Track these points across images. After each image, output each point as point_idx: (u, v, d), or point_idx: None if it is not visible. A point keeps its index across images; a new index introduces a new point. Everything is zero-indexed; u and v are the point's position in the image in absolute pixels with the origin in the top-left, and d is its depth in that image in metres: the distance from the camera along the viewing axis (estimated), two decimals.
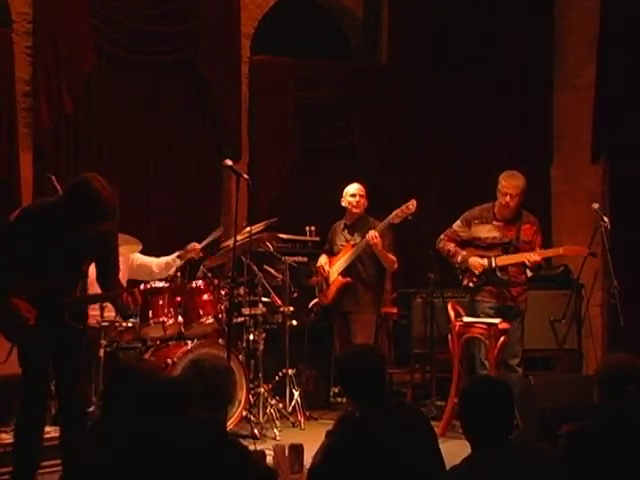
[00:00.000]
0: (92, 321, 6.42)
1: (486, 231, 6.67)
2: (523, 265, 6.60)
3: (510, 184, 6.56)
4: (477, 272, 6.59)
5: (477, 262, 6.60)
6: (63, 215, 4.76)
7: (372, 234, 6.75)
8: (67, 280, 4.94)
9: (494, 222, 6.67)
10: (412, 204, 6.75)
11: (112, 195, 4.79)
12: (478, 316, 6.57)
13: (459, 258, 6.69)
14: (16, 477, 4.90)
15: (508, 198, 6.55)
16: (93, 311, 6.40)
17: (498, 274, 6.54)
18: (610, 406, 3.69)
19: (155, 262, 6.94)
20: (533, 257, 6.48)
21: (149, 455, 3.62)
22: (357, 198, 7.03)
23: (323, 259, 7.15)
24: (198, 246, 6.86)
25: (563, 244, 7.97)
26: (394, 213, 6.80)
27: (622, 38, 8.14)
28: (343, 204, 7.09)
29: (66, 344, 5.00)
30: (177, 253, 6.87)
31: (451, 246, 6.75)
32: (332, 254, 7.15)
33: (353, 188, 7.07)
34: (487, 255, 6.60)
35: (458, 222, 6.79)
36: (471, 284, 6.66)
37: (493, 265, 6.54)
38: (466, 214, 6.78)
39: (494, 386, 3.59)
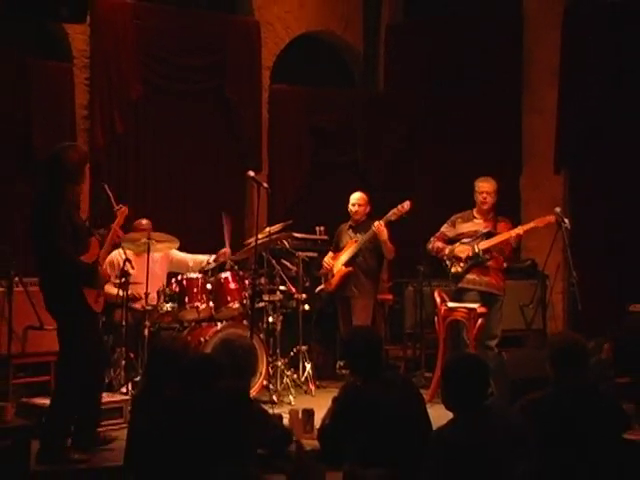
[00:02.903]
0: (137, 305, 6.46)
1: (468, 227, 6.65)
2: (503, 254, 6.59)
3: (485, 185, 6.60)
4: (462, 256, 6.54)
5: (462, 247, 6.57)
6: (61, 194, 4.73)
7: (379, 223, 6.72)
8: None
9: (474, 220, 6.68)
10: (407, 204, 6.72)
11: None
12: (464, 302, 6.54)
13: (447, 250, 6.63)
14: (79, 435, 4.90)
15: (485, 195, 6.56)
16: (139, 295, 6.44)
17: (481, 255, 6.51)
18: (561, 377, 3.71)
19: (190, 258, 6.94)
20: (515, 232, 6.46)
21: (184, 419, 3.63)
22: (356, 207, 7.00)
23: (328, 256, 7.17)
24: (228, 250, 6.85)
25: (531, 242, 7.98)
26: (391, 212, 6.76)
27: (579, 69, 8.13)
28: (349, 209, 7.09)
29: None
30: (213, 256, 6.86)
31: (439, 243, 6.69)
32: (338, 249, 7.16)
33: (353, 198, 7.04)
34: (471, 245, 6.58)
35: (444, 225, 6.77)
36: (459, 269, 6.56)
37: (476, 250, 6.51)
38: (451, 218, 6.77)
39: (471, 361, 3.59)
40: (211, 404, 3.63)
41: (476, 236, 6.56)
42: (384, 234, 6.74)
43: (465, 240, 6.60)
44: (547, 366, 3.65)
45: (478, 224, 6.62)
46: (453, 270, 6.62)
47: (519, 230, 6.52)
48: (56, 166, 4.77)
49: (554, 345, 3.95)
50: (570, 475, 2.35)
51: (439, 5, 9.07)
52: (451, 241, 6.68)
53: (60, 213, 4.69)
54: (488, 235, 6.55)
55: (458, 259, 6.57)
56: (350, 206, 7.03)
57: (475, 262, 6.51)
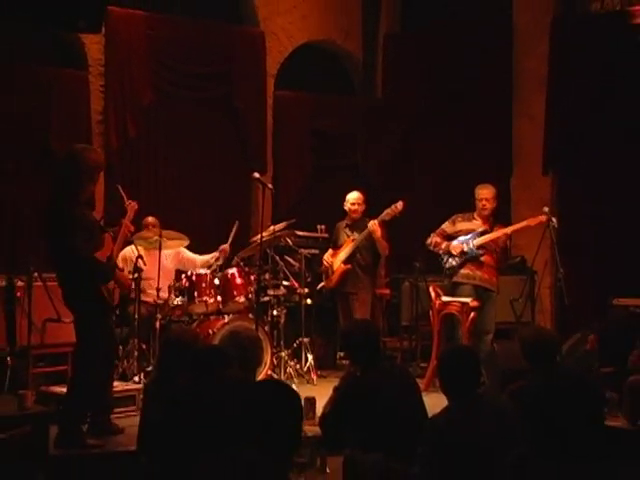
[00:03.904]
0: (149, 299, 6.47)
1: (466, 225, 6.68)
2: (495, 252, 6.61)
3: (484, 192, 6.63)
4: (457, 251, 6.55)
5: (457, 244, 6.59)
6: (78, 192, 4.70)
7: (373, 222, 6.72)
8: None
9: (474, 221, 6.70)
10: (399, 204, 6.73)
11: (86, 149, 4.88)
12: (458, 295, 6.56)
13: (443, 246, 6.66)
14: (94, 422, 4.92)
15: (484, 202, 6.60)
16: (150, 289, 6.45)
17: (475, 250, 6.53)
18: (536, 369, 3.73)
19: (198, 258, 6.95)
20: (505, 231, 6.53)
21: (194, 406, 3.64)
22: (356, 206, 7.01)
23: (327, 253, 7.18)
24: (227, 247, 6.87)
25: (521, 240, 7.98)
26: (385, 212, 6.77)
27: (565, 78, 8.15)
28: (345, 208, 7.09)
29: None
30: (215, 255, 6.87)
31: (437, 239, 6.70)
32: (336, 246, 7.16)
33: (353, 198, 7.05)
34: (466, 241, 6.59)
35: (445, 223, 6.78)
36: (453, 262, 6.59)
37: (470, 245, 6.53)
38: (452, 217, 6.79)
39: (464, 353, 3.61)
40: (219, 392, 3.64)
41: (472, 234, 6.59)
42: (378, 232, 6.74)
43: (461, 237, 6.62)
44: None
45: (476, 224, 6.66)
46: (448, 265, 6.65)
47: (510, 229, 6.59)
48: (74, 164, 4.71)
49: (524, 340, 3.97)
50: (553, 463, 2.36)
51: (434, 16, 9.08)
52: (449, 237, 6.71)
53: (75, 212, 4.66)
54: (483, 233, 6.58)
55: (452, 254, 6.59)
56: (350, 205, 7.03)
57: (469, 257, 6.54)
